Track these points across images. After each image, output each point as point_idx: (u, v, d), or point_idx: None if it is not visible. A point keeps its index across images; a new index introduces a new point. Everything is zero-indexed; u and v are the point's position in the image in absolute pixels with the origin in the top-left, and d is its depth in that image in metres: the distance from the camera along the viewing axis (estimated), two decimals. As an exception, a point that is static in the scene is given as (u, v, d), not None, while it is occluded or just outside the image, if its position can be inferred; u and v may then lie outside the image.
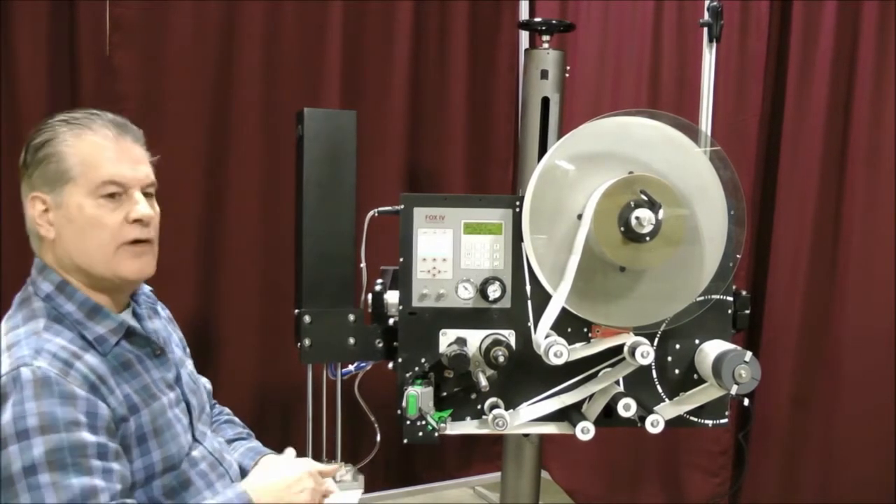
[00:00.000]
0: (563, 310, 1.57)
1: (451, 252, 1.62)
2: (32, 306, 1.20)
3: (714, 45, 1.97)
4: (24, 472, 1.06)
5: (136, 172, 1.23)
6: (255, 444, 1.53)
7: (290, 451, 1.49)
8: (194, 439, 1.32)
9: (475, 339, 1.62)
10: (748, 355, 1.54)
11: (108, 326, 1.21)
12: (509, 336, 1.62)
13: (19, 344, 1.14)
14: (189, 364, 1.42)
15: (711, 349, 1.62)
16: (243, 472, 1.45)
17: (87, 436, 1.10)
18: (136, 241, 1.23)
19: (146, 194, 1.25)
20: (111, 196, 1.20)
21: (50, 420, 1.08)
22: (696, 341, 1.66)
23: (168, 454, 1.23)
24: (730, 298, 1.66)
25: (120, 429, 1.17)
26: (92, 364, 1.16)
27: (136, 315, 1.31)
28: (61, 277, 1.22)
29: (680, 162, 1.58)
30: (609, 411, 1.62)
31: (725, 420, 1.68)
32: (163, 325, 1.38)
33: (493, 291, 1.60)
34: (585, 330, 1.63)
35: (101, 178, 1.19)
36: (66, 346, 1.15)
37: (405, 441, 1.59)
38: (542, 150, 2.07)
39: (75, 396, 1.11)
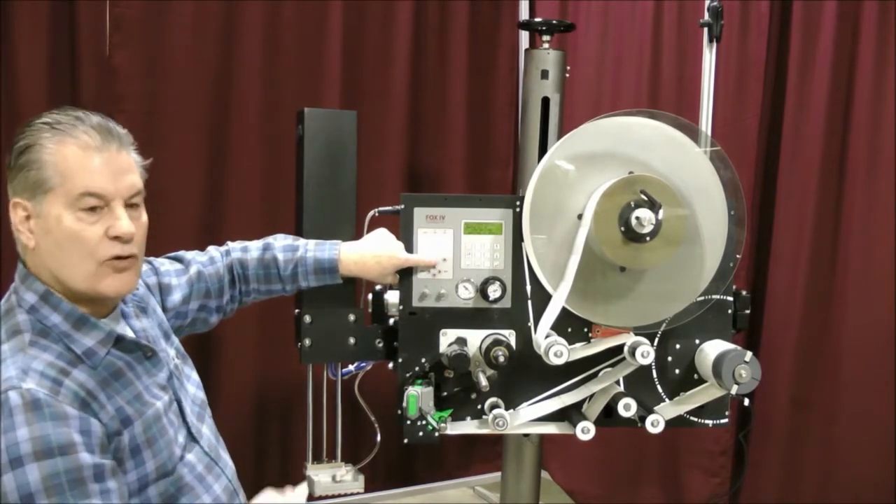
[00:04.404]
0: (564, 310, 1.57)
1: (451, 252, 1.62)
2: (16, 319, 1.15)
3: (714, 45, 1.97)
4: (22, 500, 1.03)
5: (119, 184, 1.16)
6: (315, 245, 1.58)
7: None
8: (191, 439, 1.30)
9: (475, 339, 1.62)
10: (748, 355, 1.54)
11: (96, 337, 1.17)
12: (509, 336, 1.62)
13: (5, 363, 1.10)
14: (171, 351, 1.36)
15: (712, 349, 1.62)
16: (326, 265, 1.54)
17: (84, 457, 1.08)
18: (118, 258, 1.17)
19: (131, 205, 1.19)
20: (91, 209, 1.14)
21: (44, 445, 1.05)
22: (697, 341, 1.66)
23: (161, 462, 1.21)
24: (730, 298, 1.66)
25: (113, 442, 1.14)
26: (80, 380, 1.13)
27: (122, 314, 1.27)
28: (45, 286, 1.17)
29: (680, 162, 1.58)
30: (609, 411, 1.62)
31: (726, 420, 1.68)
32: (151, 323, 1.34)
33: (494, 291, 1.60)
34: (586, 330, 1.63)
35: (78, 190, 1.13)
36: (54, 363, 1.11)
37: (405, 441, 1.59)
38: (543, 150, 2.07)
39: (67, 416, 1.08)
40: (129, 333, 1.26)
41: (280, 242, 1.57)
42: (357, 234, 1.69)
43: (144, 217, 1.23)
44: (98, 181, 1.14)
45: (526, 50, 2.32)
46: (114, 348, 1.20)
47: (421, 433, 1.59)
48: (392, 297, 1.65)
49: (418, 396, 1.56)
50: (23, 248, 1.19)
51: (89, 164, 1.14)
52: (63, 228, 1.14)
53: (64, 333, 1.16)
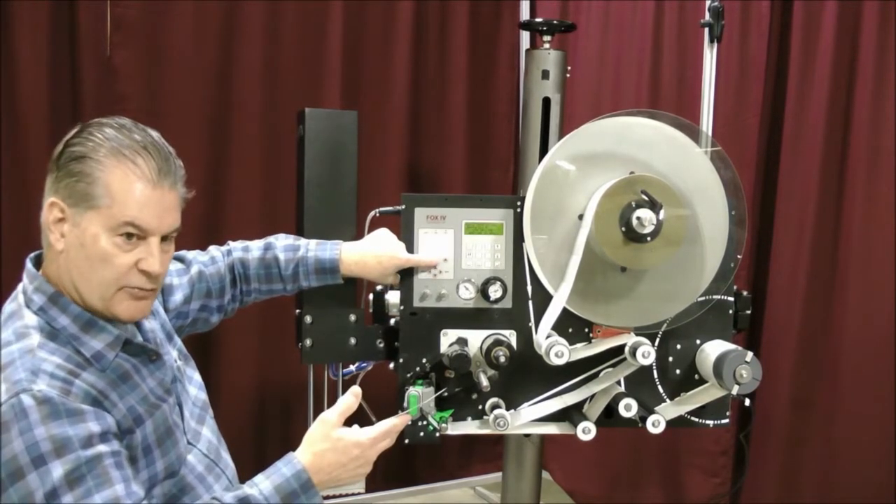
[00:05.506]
0: (564, 310, 1.57)
1: (452, 252, 1.62)
2: (25, 320, 1.15)
3: (715, 45, 1.97)
4: (46, 498, 1.04)
5: (162, 221, 1.18)
6: (315, 245, 1.56)
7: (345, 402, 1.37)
8: (188, 442, 1.31)
9: (476, 339, 1.61)
10: (749, 355, 1.54)
11: (104, 340, 1.17)
12: (510, 336, 1.62)
13: (14, 364, 1.10)
14: (174, 353, 1.37)
15: (712, 349, 1.62)
16: (327, 265, 1.51)
17: (103, 447, 1.09)
18: (140, 289, 1.19)
19: (165, 238, 1.21)
20: (128, 237, 1.15)
21: (63, 441, 1.06)
22: (697, 341, 1.66)
23: (169, 462, 1.22)
24: (731, 299, 1.66)
25: (125, 440, 1.15)
26: (91, 381, 1.13)
27: None
28: (54, 288, 1.17)
29: (680, 162, 1.58)
30: (610, 411, 1.62)
31: (727, 420, 1.68)
32: (159, 324, 1.35)
33: (494, 292, 1.60)
34: (586, 330, 1.62)
35: (123, 218, 1.14)
36: (63, 365, 1.12)
37: (406, 441, 1.59)
38: (543, 150, 2.07)
39: (82, 412, 1.09)
40: (139, 335, 1.27)
41: (281, 242, 1.57)
42: (358, 235, 1.69)
43: (172, 248, 1.25)
44: (144, 215, 1.16)
45: (527, 50, 2.33)
46: (121, 351, 1.20)
47: (422, 433, 1.59)
48: (393, 297, 1.65)
49: (419, 396, 1.56)
50: (48, 247, 1.19)
51: (140, 197, 1.15)
52: (98, 248, 1.14)
53: (73, 336, 1.16)
